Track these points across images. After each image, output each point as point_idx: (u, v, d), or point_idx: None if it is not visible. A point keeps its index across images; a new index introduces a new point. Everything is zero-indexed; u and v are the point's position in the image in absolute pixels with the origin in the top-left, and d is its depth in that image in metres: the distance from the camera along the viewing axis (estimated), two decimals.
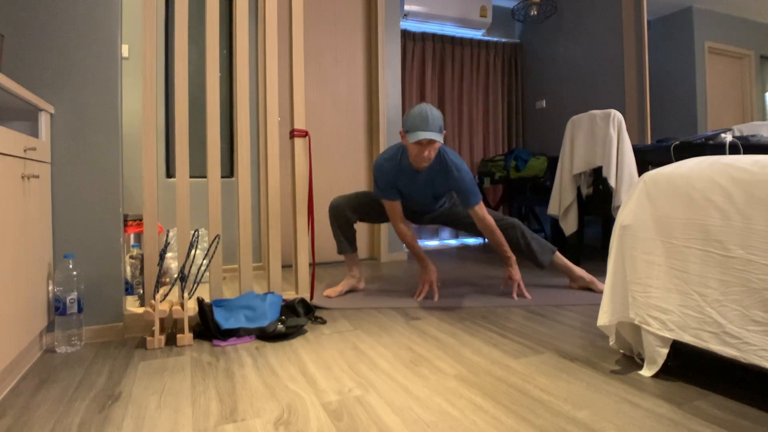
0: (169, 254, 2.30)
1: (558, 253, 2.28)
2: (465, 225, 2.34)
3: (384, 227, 3.31)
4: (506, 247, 2.17)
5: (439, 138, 1.89)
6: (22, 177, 1.30)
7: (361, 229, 3.36)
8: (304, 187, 2.09)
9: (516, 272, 2.17)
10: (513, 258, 2.18)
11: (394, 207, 2.15)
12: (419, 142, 1.91)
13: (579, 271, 2.26)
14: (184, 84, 1.82)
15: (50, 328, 1.57)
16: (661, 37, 3.17)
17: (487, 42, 4.34)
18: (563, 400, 1.13)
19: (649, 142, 3.19)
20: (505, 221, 2.25)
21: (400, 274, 2.80)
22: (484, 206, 2.17)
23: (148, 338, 1.56)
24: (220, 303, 1.75)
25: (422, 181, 2.12)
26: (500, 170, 3.88)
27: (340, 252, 2.30)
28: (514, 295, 2.14)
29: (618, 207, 2.54)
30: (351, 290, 2.30)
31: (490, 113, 4.36)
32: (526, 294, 2.14)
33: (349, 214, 2.26)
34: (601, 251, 3.28)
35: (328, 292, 2.21)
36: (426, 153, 1.93)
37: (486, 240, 2.38)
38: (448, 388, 1.21)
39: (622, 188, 2.50)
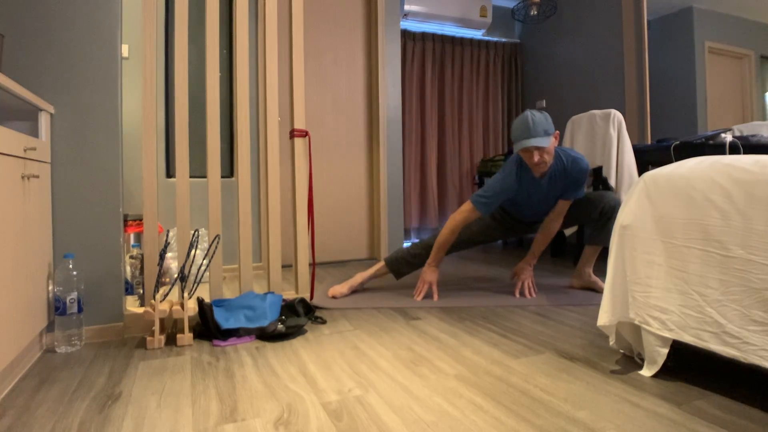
0: (169, 254, 2.30)
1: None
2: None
3: (384, 228, 3.31)
4: (542, 249, 2.19)
5: (543, 143, 1.85)
6: (22, 177, 1.30)
7: (361, 229, 3.36)
8: (304, 187, 2.09)
9: (526, 271, 2.18)
10: (535, 261, 2.20)
11: (474, 215, 2.07)
12: (525, 150, 1.90)
13: (590, 269, 2.26)
14: (184, 84, 1.82)
15: (50, 328, 1.57)
16: (661, 37, 3.17)
17: (487, 42, 4.34)
18: (563, 400, 1.13)
19: (649, 142, 3.19)
20: (604, 193, 2.16)
21: None
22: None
23: (148, 338, 1.56)
24: (220, 303, 1.75)
25: (545, 187, 2.07)
26: None
27: (388, 264, 2.28)
28: (516, 293, 2.14)
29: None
30: (353, 292, 2.29)
31: (490, 113, 4.36)
32: (527, 294, 2.14)
33: (437, 254, 2.20)
34: (601, 251, 3.27)
35: (333, 291, 2.20)
36: (536, 159, 1.90)
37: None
38: (448, 388, 1.21)
39: (622, 188, 2.50)
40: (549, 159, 1.94)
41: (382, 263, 2.31)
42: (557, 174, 2.05)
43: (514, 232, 2.37)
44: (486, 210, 2.04)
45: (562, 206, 2.12)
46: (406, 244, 2.31)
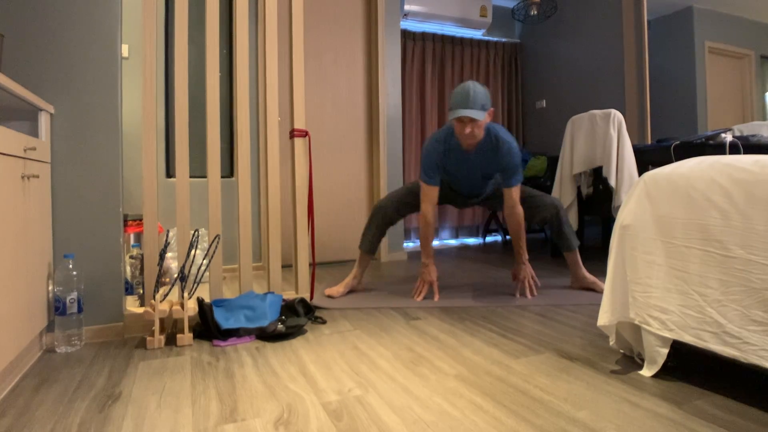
0: (169, 254, 2.30)
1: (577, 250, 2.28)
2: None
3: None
4: (522, 242, 2.17)
5: (479, 116, 1.86)
6: (22, 177, 1.30)
7: (360, 229, 3.36)
8: (304, 187, 2.09)
9: (523, 271, 2.17)
10: (525, 255, 2.17)
11: (431, 192, 2.10)
12: (459, 119, 1.90)
13: (584, 271, 2.26)
14: (184, 84, 1.82)
15: (50, 328, 1.57)
16: (661, 37, 3.17)
17: (487, 42, 4.34)
18: (563, 400, 1.13)
19: (649, 142, 3.19)
20: (544, 198, 2.21)
21: (400, 274, 2.80)
22: (519, 190, 2.14)
23: (148, 338, 1.56)
24: (220, 303, 1.75)
25: (472, 161, 2.09)
26: None
27: (361, 248, 2.30)
28: (517, 294, 2.14)
29: (618, 207, 2.54)
30: (351, 291, 2.30)
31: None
32: (528, 294, 2.14)
33: (393, 212, 2.25)
34: (601, 251, 3.28)
35: (330, 291, 2.21)
36: (468, 130, 1.91)
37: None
38: (448, 388, 1.21)
39: (622, 188, 2.50)
40: (479, 133, 1.95)
41: (360, 253, 2.33)
42: (485, 149, 2.07)
43: (457, 203, 2.41)
44: (433, 180, 2.09)
45: (510, 197, 2.10)
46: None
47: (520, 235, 2.16)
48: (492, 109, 1.98)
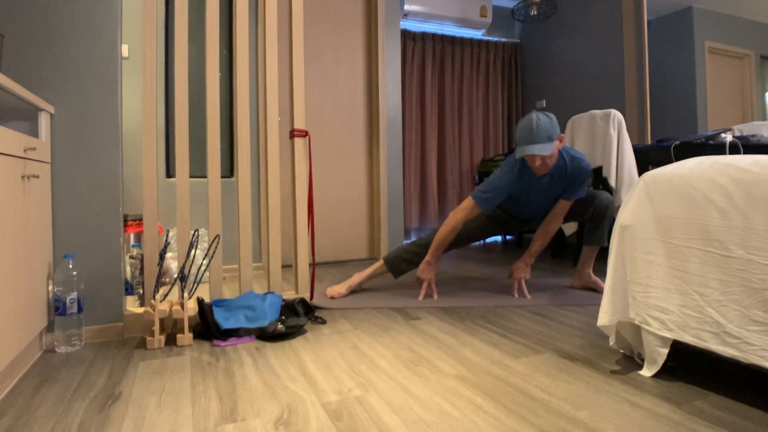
0: (169, 254, 2.30)
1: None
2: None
3: (384, 229, 3.31)
4: (541, 248, 2.17)
5: (545, 150, 1.83)
6: (22, 177, 1.30)
7: (361, 229, 3.36)
8: (304, 187, 2.09)
9: (522, 271, 2.17)
10: (533, 260, 2.18)
11: (475, 212, 2.06)
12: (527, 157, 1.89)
13: (590, 269, 2.26)
14: (184, 84, 1.82)
15: (50, 328, 1.57)
16: (661, 37, 3.17)
17: (487, 42, 4.34)
18: (563, 400, 1.13)
19: (649, 142, 3.19)
20: (598, 192, 2.18)
21: None
22: None
23: (148, 338, 1.55)
24: (220, 303, 1.75)
25: (546, 185, 2.07)
26: None
27: (386, 262, 2.28)
28: (515, 293, 2.14)
29: (618, 207, 2.54)
30: (351, 292, 2.29)
31: (490, 113, 4.36)
32: (526, 294, 2.14)
33: (444, 248, 2.22)
34: (601, 251, 3.28)
35: (332, 292, 2.20)
36: (538, 163, 1.90)
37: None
38: (448, 388, 1.21)
39: (622, 188, 2.50)
40: (551, 162, 1.94)
41: (380, 263, 2.31)
42: (558, 173, 2.05)
43: (509, 228, 2.37)
44: (487, 206, 2.03)
45: (562, 207, 2.11)
46: (406, 243, 2.32)
47: (546, 241, 2.17)
48: (562, 135, 1.93)
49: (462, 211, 2.07)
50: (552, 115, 1.93)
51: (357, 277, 2.28)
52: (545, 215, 2.27)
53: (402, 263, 2.28)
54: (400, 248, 2.30)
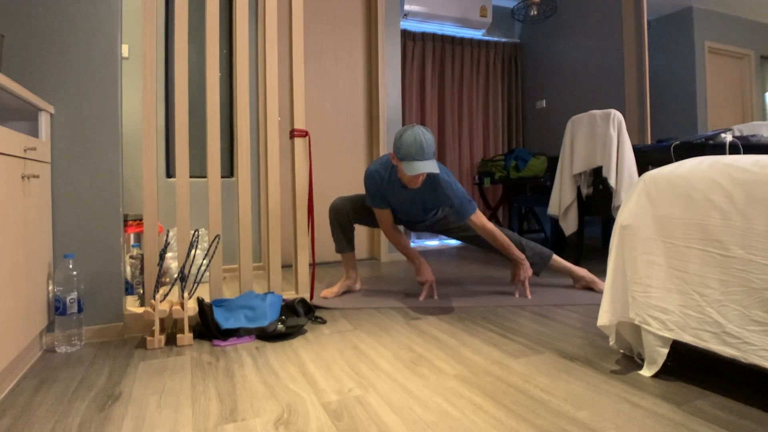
0: (169, 254, 2.30)
1: (555, 257, 2.27)
2: (459, 235, 2.33)
3: None
4: (513, 249, 2.14)
5: (434, 168, 1.82)
6: (22, 177, 1.30)
7: (361, 229, 3.37)
8: (304, 187, 2.09)
9: (522, 272, 2.17)
10: (522, 257, 2.16)
11: (383, 214, 2.15)
12: (415, 172, 1.85)
13: (580, 271, 2.26)
14: (184, 84, 1.82)
15: (50, 328, 1.57)
16: (661, 37, 3.17)
17: (487, 42, 4.33)
18: (563, 400, 1.13)
19: (649, 142, 3.19)
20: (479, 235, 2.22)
21: (400, 274, 2.80)
22: (480, 213, 2.12)
23: (148, 338, 1.56)
24: (220, 303, 1.75)
25: (410, 197, 2.09)
26: (500, 170, 3.88)
27: (338, 251, 2.30)
28: (516, 294, 2.14)
29: (618, 207, 2.54)
30: (348, 291, 2.29)
31: (490, 113, 4.36)
32: (527, 294, 2.14)
33: (350, 214, 2.26)
34: (601, 251, 3.28)
35: (325, 293, 2.21)
36: (420, 179, 1.91)
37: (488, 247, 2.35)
38: (448, 388, 1.21)
39: (622, 188, 2.50)
40: (424, 178, 1.95)
41: (340, 256, 2.33)
42: (425, 189, 2.06)
43: (405, 225, 2.42)
44: (380, 204, 2.12)
45: (473, 225, 2.10)
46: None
47: (505, 244, 2.12)
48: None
49: (379, 221, 2.19)
50: (429, 129, 1.93)
51: (343, 278, 2.30)
52: (425, 221, 2.31)
53: (337, 242, 2.29)
54: (336, 230, 2.30)
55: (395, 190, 2.08)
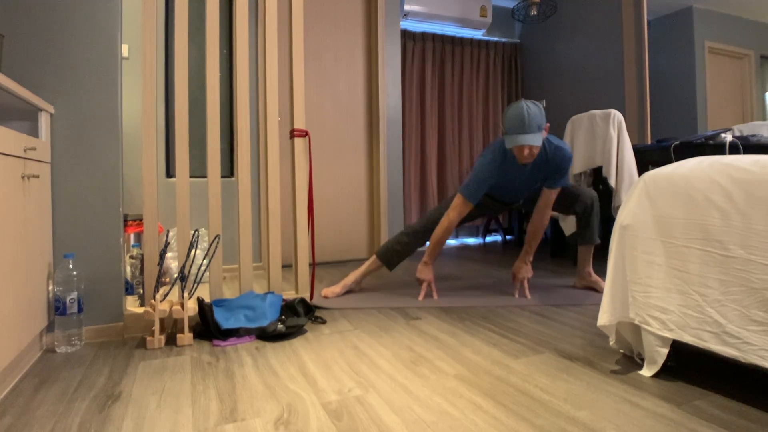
0: (169, 254, 2.30)
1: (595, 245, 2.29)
2: (524, 205, 2.37)
3: (384, 229, 3.31)
4: (536, 243, 2.18)
5: (536, 140, 1.82)
6: (22, 177, 1.30)
7: (361, 229, 3.36)
8: (304, 187, 2.09)
9: (524, 270, 2.17)
10: (531, 257, 2.19)
11: (466, 208, 2.08)
12: (517, 146, 1.87)
13: (590, 268, 2.27)
14: (184, 84, 1.82)
15: (50, 328, 1.57)
16: (661, 37, 3.17)
17: (487, 42, 4.34)
18: (563, 400, 1.13)
19: (649, 142, 3.19)
20: (582, 188, 2.22)
21: (400, 274, 2.80)
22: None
23: (148, 338, 1.56)
24: (220, 303, 1.75)
25: (528, 173, 2.08)
26: None
27: (384, 262, 2.28)
28: (516, 294, 2.15)
29: (618, 207, 2.54)
30: (348, 291, 2.29)
31: (490, 113, 4.36)
32: (527, 294, 2.14)
33: (427, 236, 2.25)
34: (601, 251, 3.28)
35: (326, 291, 2.20)
36: (527, 153, 1.89)
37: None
38: (448, 388, 1.21)
39: (622, 188, 2.50)
40: (537, 151, 1.93)
41: (373, 258, 2.32)
42: (540, 161, 2.06)
43: (494, 211, 2.41)
44: (475, 198, 2.05)
45: (547, 197, 2.11)
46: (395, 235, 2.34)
47: (539, 236, 2.18)
48: (548, 124, 1.94)
49: (454, 210, 2.09)
50: (539, 104, 1.92)
51: (353, 276, 2.28)
52: (527, 196, 2.30)
53: (394, 255, 2.29)
54: (390, 241, 2.31)
55: (512, 170, 2.07)
